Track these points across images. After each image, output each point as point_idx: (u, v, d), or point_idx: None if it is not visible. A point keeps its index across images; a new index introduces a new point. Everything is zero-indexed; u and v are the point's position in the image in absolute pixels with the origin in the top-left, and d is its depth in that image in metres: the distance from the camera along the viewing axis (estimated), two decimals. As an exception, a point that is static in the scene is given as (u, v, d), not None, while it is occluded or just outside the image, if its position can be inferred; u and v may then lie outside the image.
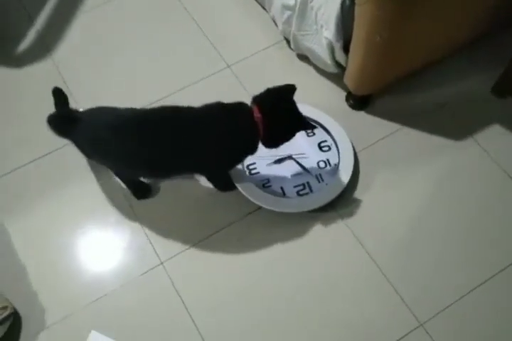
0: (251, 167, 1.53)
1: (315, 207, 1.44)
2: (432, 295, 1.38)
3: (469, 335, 1.34)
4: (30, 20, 1.87)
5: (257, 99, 1.27)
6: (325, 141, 1.56)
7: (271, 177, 1.51)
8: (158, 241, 1.47)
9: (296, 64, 1.73)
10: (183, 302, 1.38)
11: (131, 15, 1.88)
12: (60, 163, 1.59)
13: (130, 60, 1.78)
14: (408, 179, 1.54)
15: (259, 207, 1.49)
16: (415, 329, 1.34)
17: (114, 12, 1.88)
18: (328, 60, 1.54)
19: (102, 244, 1.50)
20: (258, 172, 1.52)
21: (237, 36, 1.82)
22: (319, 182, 1.50)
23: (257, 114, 1.24)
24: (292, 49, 1.71)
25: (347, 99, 1.65)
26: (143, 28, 1.85)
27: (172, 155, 1.26)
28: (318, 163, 1.53)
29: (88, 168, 1.57)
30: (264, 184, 1.50)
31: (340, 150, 1.52)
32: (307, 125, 1.35)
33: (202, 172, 1.45)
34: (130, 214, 1.51)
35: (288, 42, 1.72)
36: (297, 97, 1.60)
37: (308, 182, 1.50)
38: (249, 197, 1.45)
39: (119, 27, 1.86)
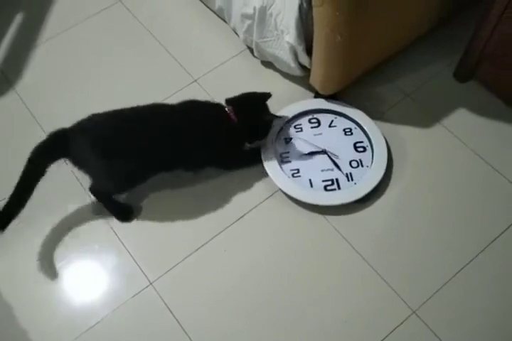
0: (284, 155, 1.55)
1: (340, 203, 1.46)
2: (420, 282, 1.39)
3: (460, 317, 1.35)
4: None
5: (228, 100, 1.47)
6: (361, 141, 1.57)
7: (302, 168, 1.53)
8: (145, 262, 1.45)
9: (262, 71, 1.74)
10: (177, 321, 1.36)
11: (90, 41, 1.87)
12: (33, 199, 1.54)
13: (95, 83, 1.77)
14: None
15: (241, 216, 1.49)
16: (409, 317, 1.35)
17: (73, 39, 1.87)
18: (292, 64, 1.55)
19: (88, 271, 1.46)
20: (290, 161, 1.54)
21: (201, 50, 1.82)
22: (348, 180, 1.50)
23: (229, 108, 1.44)
24: (256, 57, 1.72)
25: (315, 100, 1.66)
26: (104, 51, 1.84)
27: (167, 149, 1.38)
28: (350, 162, 1.53)
29: (63, 200, 1.54)
30: (294, 174, 1.52)
31: (374, 154, 1.53)
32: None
33: (205, 164, 1.52)
34: (113, 238, 1.48)
35: (251, 50, 1.73)
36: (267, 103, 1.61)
37: (337, 179, 1.50)
38: (278, 184, 1.49)
39: (80, 53, 1.84)
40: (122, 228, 1.49)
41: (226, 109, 1.45)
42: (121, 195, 1.51)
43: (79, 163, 1.37)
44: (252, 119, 1.46)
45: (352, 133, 1.59)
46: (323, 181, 1.50)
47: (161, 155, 1.38)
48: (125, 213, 1.51)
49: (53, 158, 1.35)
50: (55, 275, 1.44)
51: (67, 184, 1.56)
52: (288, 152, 1.56)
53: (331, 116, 1.62)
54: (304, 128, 1.60)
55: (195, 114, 1.43)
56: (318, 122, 1.61)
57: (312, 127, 1.60)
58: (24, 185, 1.34)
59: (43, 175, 1.34)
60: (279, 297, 1.39)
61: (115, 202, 1.50)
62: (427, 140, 1.61)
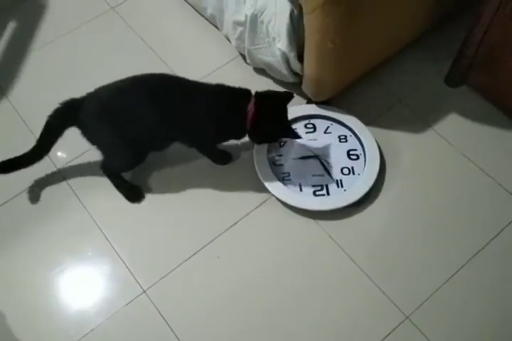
0: (276, 158, 1.56)
1: (327, 208, 1.47)
2: (413, 287, 1.40)
3: (454, 322, 1.36)
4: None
5: (257, 96, 1.39)
6: (355, 149, 1.57)
7: (292, 171, 1.53)
8: (138, 269, 1.44)
9: (255, 78, 1.75)
10: (171, 329, 1.35)
11: (84, 48, 1.87)
12: (26, 206, 1.55)
13: (88, 91, 1.75)
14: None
15: (235, 223, 1.49)
16: (402, 322, 1.35)
17: (66, 46, 1.87)
18: (284, 71, 1.55)
19: (82, 279, 1.46)
20: (282, 165, 1.54)
21: (193, 56, 1.83)
22: (338, 187, 1.51)
23: (251, 107, 1.37)
24: (249, 64, 1.73)
25: (308, 106, 1.66)
26: (97, 59, 1.84)
27: (172, 119, 1.37)
28: (342, 168, 1.54)
29: (56, 206, 1.54)
30: (284, 177, 1.52)
31: (367, 162, 1.53)
32: (291, 134, 1.45)
33: (191, 142, 1.49)
34: (107, 246, 1.48)
35: (244, 57, 1.74)
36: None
37: (327, 185, 1.51)
38: (268, 187, 1.49)
39: (73, 60, 1.84)
40: (115, 235, 1.49)
41: (248, 109, 1.38)
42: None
43: (87, 133, 1.40)
44: (269, 121, 1.41)
45: (347, 141, 1.59)
46: (313, 186, 1.51)
47: (164, 126, 1.39)
48: (135, 193, 1.53)
49: (65, 125, 1.42)
50: (49, 282, 1.44)
51: (61, 191, 1.56)
52: (281, 155, 1.57)
53: (327, 123, 1.62)
54: (299, 133, 1.59)
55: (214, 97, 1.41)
56: (314, 128, 1.62)
57: (307, 132, 1.60)
58: (41, 143, 1.45)
59: (60, 136, 1.43)
60: (274, 302, 1.39)
61: (125, 182, 1.52)
62: (419, 145, 1.62)
